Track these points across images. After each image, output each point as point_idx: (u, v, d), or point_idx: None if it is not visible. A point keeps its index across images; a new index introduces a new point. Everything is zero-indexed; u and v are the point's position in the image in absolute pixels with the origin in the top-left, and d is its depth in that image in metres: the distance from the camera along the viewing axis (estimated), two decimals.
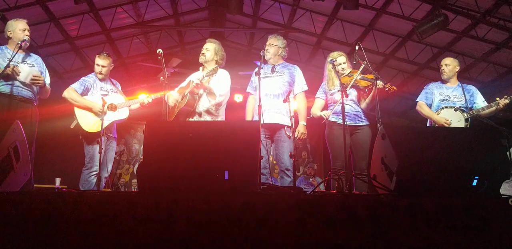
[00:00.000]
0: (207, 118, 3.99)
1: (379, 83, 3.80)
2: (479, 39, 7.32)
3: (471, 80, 8.13)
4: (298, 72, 4.16)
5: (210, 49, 4.13)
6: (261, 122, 3.79)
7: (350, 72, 4.13)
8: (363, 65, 3.87)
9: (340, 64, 4.15)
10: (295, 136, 3.92)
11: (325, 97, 4.22)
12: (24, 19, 3.93)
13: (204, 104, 4.00)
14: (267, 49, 4.09)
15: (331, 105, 4.16)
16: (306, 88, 4.14)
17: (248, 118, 4.16)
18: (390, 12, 7.29)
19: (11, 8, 6.45)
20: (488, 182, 2.27)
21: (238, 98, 9.64)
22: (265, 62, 4.24)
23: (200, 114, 3.99)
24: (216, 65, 4.08)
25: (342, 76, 4.06)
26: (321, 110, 4.17)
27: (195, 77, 4.13)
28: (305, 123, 4.02)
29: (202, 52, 4.14)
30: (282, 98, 3.99)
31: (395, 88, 3.88)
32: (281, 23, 8.66)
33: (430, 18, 6.57)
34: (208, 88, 3.91)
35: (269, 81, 4.04)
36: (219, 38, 8.80)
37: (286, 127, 3.95)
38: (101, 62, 4.30)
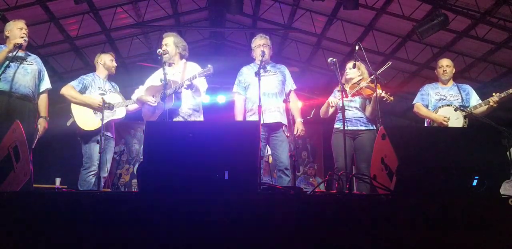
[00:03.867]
0: (193, 114, 3.95)
1: (378, 92, 3.87)
2: (479, 39, 7.32)
3: (471, 80, 8.13)
4: (287, 71, 4.22)
5: (169, 44, 4.01)
6: (261, 122, 3.82)
7: (361, 79, 4.15)
8: (373, 76, 3.92)
9: (350, 68, 4.24)
10: (295, 133, 3.96)
11: (335, 102, 4.27)
12: (22, 20, 3.95)
13: (187, 101, 3.92)
14: (263, 50, 4.03)
15: (338, 112, 4.24)
16: (295, 86, 4.20)
17: (239, 119, 4.07)
18: (390, 12, 7.29)
19: (11, 8, 6.45)
20: (488, 182, 2.27)
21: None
22: (253, 61, 4.28)
23: (185, 113, 3.91)
24: (185, 59, 4.01)
25: (351, 83, 4.16)
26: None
27: (170, 74, 3.96)
28: (301, 120, 4.06)
29: (163, 49, 3.94)
30: (279, 96, 4.03)
31: (392, 99, 3.97)
32: (281, 23, 8.66)
33: (430, 18, 6.58)
34: (195, 86, 3.81)
35: (263, 80, 3.91)
36: (219, 38, 8.89)
37: (284, 126, 3.99)
38: (113, 57, 4.37)
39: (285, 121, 4.00)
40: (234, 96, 4.24)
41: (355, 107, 4.16)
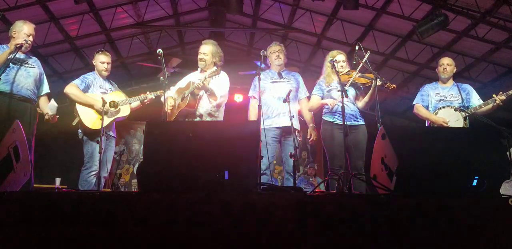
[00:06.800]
0: (208, 119, 4.01)
1: (378, 81, 3.80)
2: (479, 39, 7.32)
3: (471, 80, 8.13)
4: (301, 79, 4.40)
5: (207, 53, 4.14)
6: (274, 125, 4.08)
7: (349, 70, 4.14)
8: (361, 64, 3.87)
9: (339, 62, 4.16)
10: (309, 138, 4.19)
11: (322, 94, 4.21)
12: (32, 24, 3.95)
13: (204, 105, 4.03)
14: (278, 55, 4.28)
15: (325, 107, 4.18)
16: (308, 94, 4.36)
17: None
18: (390, 12, 7.29)
19: (11, 8, 6.44)
20: (488, 182, 2.27)
21: (238, 98, 9.63)
22: (268, 67, 4.46)
23: (200, 116, 4.02)
24: (216, 67, 4.09)
25: (340, 74, 4.03)
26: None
27: (194, 77, 4.14)
28: (314, 125, 4.26)
29: (199, 57, 4.14)
30: (292, 102, 4.12)
31: (394, 86, 3.87)
32: (281, 23, 8.66)
33: (430, 18, 6.57)
34: (209, 89, 3.93)
35: (278, 85, 4.21)
36: (219, 38, 8.93)
37: (297, 131, 4.08)
38: (106, 59, 4.30)
39: (296, 126, 4.10)
40: (250, 100, 4.38)
41: (347, 101, 4.04)
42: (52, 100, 4.07)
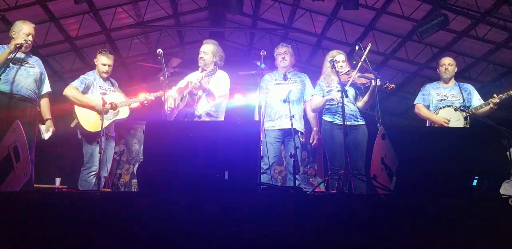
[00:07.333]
0: (207, 120, 3.99)
1: (378, 81, 3.80)
2: (479, 39, 7.32)
3: (471, 80, 8.13)
4: (308, 80, 4.37)
5: (207, 52, 4.12)
6: (277, 127, 4.08)
7: (348, 70, 4.14)
8: (360, 63, 3.87)
9: (338, 62, 4.16)
10: (311, 141, 4.23)
11: (323, 95, 4.21)
12: (32, 24, 3.94)
13: (203, 105, 4.01)
14: (283, 57, 4.29)
15: (328, 104, 4.17)
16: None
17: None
18: (390, 12, 7.29)
19: (11, 8, 6.45)
20: (488, 182, 2.27)
21: (238, 98, 9.63)
22: (275, 67, 4.43)
23: (200, 116, 4.00)
24: (215, 66, 4.08)
25: (340, 74, 4.00)
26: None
27: (193, 77, 4.14)
28: (317, 129, 4.25)
29: (200, 56, 4.12)
30: (296, 104, 4.14)
31: (393, 86, 3.85)
32: (281, 23, 8.66)
33: (430, 18, 6.58)
34: (207, 89, 3.91)
35: (282, 88, 4.17)
36: (219, 38, 8.96)
37: (300, 133, 4.10)
38: (107, 61, 4.27)
39: (300, 128, 4.11)
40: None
41: (347, 101, 4.04)
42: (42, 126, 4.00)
